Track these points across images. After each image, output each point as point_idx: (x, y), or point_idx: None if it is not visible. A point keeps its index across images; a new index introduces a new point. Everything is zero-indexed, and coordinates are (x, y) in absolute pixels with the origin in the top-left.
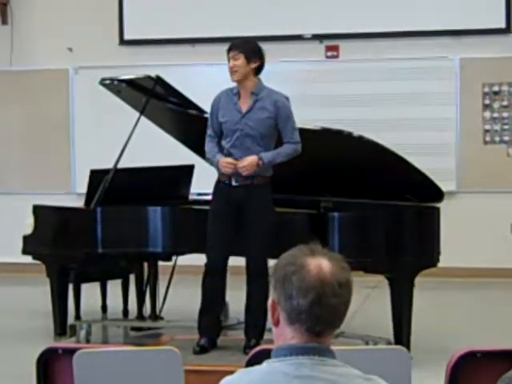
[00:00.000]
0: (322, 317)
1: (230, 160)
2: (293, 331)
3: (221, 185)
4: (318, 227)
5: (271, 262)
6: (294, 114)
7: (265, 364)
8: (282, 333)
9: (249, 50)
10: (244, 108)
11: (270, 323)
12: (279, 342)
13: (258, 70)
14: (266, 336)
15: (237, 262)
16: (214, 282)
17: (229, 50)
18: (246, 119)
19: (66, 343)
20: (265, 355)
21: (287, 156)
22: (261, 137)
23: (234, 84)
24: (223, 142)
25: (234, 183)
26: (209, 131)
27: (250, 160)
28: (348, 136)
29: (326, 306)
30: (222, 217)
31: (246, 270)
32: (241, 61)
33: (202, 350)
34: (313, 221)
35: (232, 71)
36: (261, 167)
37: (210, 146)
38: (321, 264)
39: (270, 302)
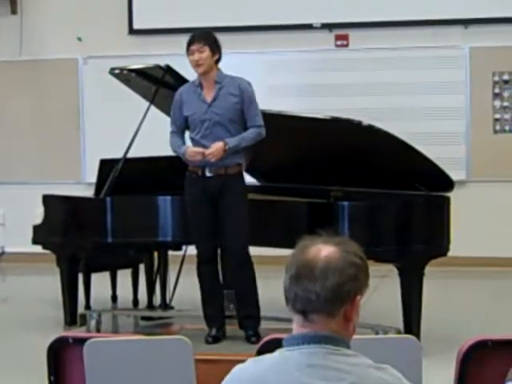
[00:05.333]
0: (298, 295)
1: (196, 149)
2: (291, 313)
3: (194, 176)
4: (328, 216)
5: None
6: (257, 98)
7: (277, 353)
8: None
9: (212, 42)
10: (208, 98)
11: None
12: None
13: (219, 60)
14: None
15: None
16: (208, 272)
17: (191, 43)
18: (213, 108)
19: (77, 332)
20: (275, 344)
21: (252, 140)
22: (230, 123)
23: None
24: (192, 135)
25: (207, 174)
26: (171, 128)
27: (216, 146)
28: (358, 125)
29: (301, 286)
30: (200, 207)
31: (228, 260)
32: (206, 53)
33: (214, 340)
34: (322, 210)
35: (197, 64)
36: (228, 153)
37: (173, 139)
38: (322, 249)
39: None
